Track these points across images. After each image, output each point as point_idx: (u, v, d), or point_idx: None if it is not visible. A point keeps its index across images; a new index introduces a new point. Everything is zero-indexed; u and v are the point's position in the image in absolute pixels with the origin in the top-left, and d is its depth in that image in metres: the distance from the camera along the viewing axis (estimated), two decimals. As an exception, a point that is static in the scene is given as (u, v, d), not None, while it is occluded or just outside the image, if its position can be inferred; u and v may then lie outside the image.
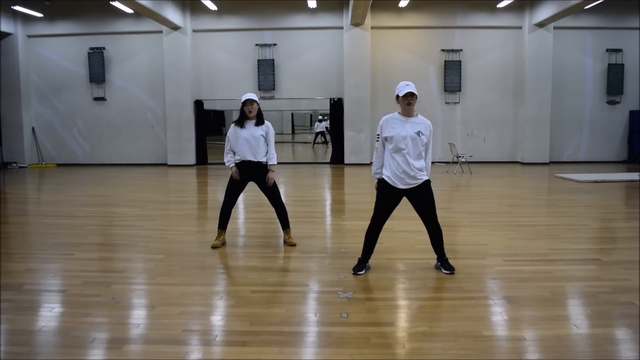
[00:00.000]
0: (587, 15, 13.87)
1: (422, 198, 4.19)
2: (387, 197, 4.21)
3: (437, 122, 14.29)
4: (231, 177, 5.19)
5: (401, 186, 4.13)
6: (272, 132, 5.14)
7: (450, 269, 4.27)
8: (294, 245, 5.22)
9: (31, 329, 3.20)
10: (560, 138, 14.56)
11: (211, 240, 5.32)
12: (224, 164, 5.19)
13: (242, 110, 5.05)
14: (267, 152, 5.11)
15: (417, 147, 4.08)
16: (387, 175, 4.17)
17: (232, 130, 5.10)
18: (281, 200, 5.27)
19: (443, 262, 4.32)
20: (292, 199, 8.52)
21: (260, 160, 5.06)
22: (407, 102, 4.04)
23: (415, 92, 4.02)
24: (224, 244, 5.31)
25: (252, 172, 5.11)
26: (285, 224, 5.31)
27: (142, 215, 7.19)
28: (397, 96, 4.09)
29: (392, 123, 4.12)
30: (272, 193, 5.19)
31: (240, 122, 5.06)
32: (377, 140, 4.23)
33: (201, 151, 14.77)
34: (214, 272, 4.48)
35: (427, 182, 4.19)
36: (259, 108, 5.11)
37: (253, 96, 5.01)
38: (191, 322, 3.33)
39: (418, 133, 4.06)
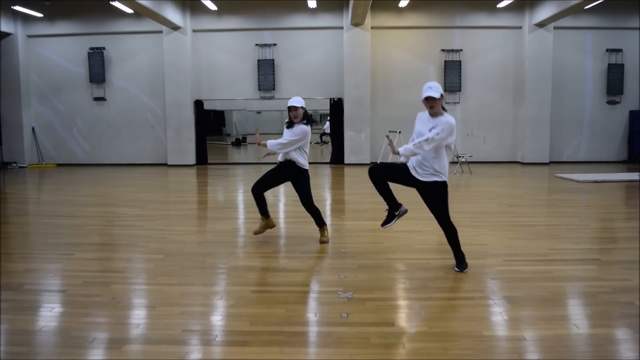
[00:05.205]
0: (587, 15, 13.86)
1: (426, 197, 4.24)
2: (404, 168, 4.27)
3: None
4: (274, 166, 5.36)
5: (414, 174, 4.19)
6: (297, 131, 5.07)
7: (460, 267, 4.28)
8: (325, 242, 5.30)
9: (31, 329, 3.20)
10: (560, 138, 14.55)
11: (211, 240, 5.33)
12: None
13: (289, 115, 5.18)
14: (295, 153, 5.16)
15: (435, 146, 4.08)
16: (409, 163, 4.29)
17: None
18: (308, 202, 5.24)
19: (456, 259, 4.34)
20: (293, 199, 8.48)
21: (289, 159, 5.15)
22: (430, 105, 4.04)
23: (435, 95, 3.97)
24: (270, 227, 5.44)
25: (285, 170, 5.23)
26: (318, 224, 5.38)
27: (142, 215, 7.19)
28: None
29: (421, 118, 4.23)
30: (300, 194, 5.26)
31: (289, 125, 5.18)
32: None
33: (201, 151, 14.75)
34: (214, 272, 4.48)
35: (434, 185, 4.15)
36: (305, 111, 5.14)
37: (295, 102, 5.06)
38: (191, 322, 3.33)
39: (431, 130, 4.04)
